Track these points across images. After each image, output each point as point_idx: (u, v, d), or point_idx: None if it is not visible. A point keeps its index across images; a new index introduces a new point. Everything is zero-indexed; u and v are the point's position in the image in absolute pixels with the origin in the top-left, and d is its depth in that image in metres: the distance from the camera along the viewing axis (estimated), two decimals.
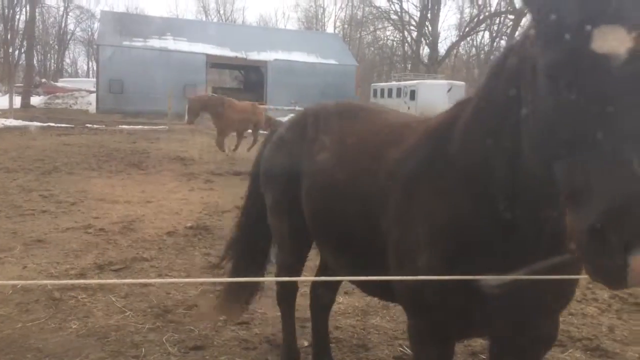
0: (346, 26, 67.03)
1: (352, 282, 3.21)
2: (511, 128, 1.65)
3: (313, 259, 3.74)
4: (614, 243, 1.25)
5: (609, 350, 4.03)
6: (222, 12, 71.76)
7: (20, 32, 47.24)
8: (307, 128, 2.94)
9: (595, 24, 1.36)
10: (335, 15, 69.31)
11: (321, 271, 3.67)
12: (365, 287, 2.82)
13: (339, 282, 3.71)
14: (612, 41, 1.36)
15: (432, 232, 1.94)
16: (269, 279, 3.88)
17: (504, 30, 54.06)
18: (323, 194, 2.67)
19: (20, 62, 46.10)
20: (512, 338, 2.13)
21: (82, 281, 3.98)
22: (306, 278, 3.93)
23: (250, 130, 16.54)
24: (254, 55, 41.73)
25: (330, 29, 66.63)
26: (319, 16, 69.73)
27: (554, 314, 2.14)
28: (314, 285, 3.69)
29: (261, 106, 18.46)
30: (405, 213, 2.08)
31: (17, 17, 46.64)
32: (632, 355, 4.00)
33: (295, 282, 3.49)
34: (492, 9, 54.12)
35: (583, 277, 1.87)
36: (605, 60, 1.34)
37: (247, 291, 3.73)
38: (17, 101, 34.08)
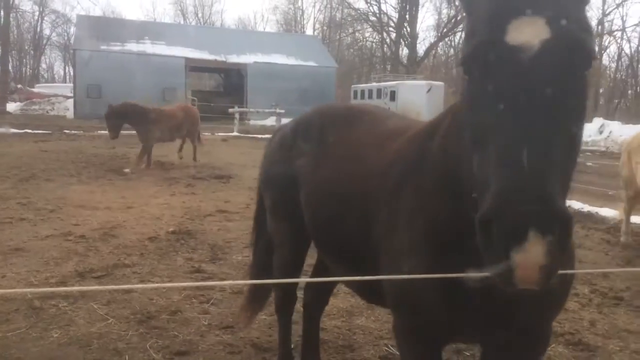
0: (325, 28, 67.20)
1: (351, 288, 3.20)
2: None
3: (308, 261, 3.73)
4: (497, 240, 1.25)
5: (590, 344, 4.10)
6: (200, 15, 71.45)
7: None
8: (311, 130, 2.92)
9: (505, 16, 1.37)
10: (314, 17, 69.33)
11: (316, 272, 3.67)
12: (361, 292, 2.81)
13: (334, 284, 3.72)
14: (528, 32, 1.36)
15: (414, 236, 1.94)
16: (267, 281, 3.85)
17: None
18: (321, 198, 2.67)
19: None
20: (503, 344, 2.06)
21: (63, 288, 3.91)
22: (305, 279, 3.91)
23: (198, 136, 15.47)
24: (234, 58, 41.58)
25: (309, 31, 66.79)
26: (298, 18, 69.81)
27: (546, 319, 2.05)
28: (308, 285, 3.68)
29: (195, 108, 16.63)
30: (392, 218, 2.08)
31: None
32: (613, 349, 4.07)
33: (294, 289, 3.45)
34: None
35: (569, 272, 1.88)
36: (517, 53, 1.35)
37: (265, 292, 3.70)
38: None
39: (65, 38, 66.44)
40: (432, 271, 1.77)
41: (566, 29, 1.36)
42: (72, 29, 53.15)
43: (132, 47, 39.11)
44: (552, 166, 1.30)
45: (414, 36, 54.44)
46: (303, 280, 3.63)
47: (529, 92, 1.32)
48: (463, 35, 1.55)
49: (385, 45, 58.74)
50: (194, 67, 41.89)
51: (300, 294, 3.67)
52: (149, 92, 31.03)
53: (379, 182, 2.22)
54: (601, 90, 48.63)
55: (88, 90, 37.30)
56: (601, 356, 3.95)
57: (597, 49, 1.52)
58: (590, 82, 1.54)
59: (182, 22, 66.55)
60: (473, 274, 1.45)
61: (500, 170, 1.30)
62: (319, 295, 3.65)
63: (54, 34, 68.02)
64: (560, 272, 1.96)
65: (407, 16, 54.60)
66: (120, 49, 38.59)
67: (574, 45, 1.37)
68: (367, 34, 62.07)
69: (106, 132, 14.36)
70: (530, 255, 1.23)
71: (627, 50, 47.76)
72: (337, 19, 64.22)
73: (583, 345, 4.08)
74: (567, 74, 1.37)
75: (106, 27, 40.50)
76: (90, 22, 41.35)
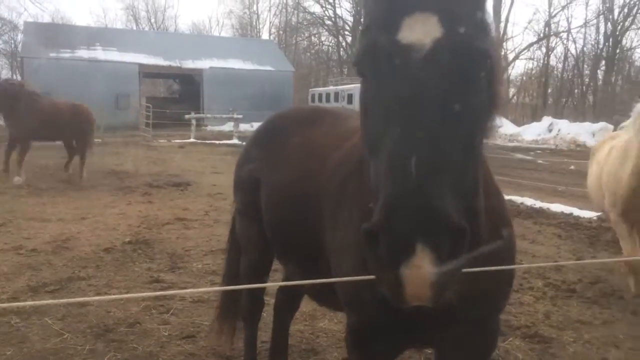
0: (281, 32, 67.11)
1: (308, 294, 3.17)
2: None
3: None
4: (383, 253, 1.16)
5: (546, 336, 4.23)
6: (153, 20, 70.15)
7: None
8: (271, 133, 2.95)
9: (397, 14, 1.31)
10: (270, 22, 69.24)
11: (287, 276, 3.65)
12: (317, 297, 2.81)
13: (305, 289, 3.68)
14: (419, 31, 1.29)
15: (351, 235, 1.89)
16: (229, 287, 3.81)
17: None
18: (276, 200, 2.67)
19: None
20: (454, 344, 2.04)
21: (15, 304, 3.76)
22: (269, 284, 3.88)
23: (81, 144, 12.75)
24: (189, 64, 41.04)
25: (265, 35, 66.55)
26: (254, 23, 69.47)
27: (491, 313, 2.03)
28: (279, 289, 3.67)
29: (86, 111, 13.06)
30: (336, 217, 2.05)
31: None
32: (567, 339, 4.21)
33: (262, 294, 3.43)
34: None
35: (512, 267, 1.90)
36: (408, 52, 1.28)
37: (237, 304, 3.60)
38: None
39: (13, 46, 64.10)
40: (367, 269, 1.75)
41: (458, 28, 1.30)
42: (20, 36, 51.35)
43: (83, 53, 38.09)
44: (443, 174, 1.21)
45: None
46: (268, 285, 3.62)
47: (417, 95, 1.25)
48: (358, 35, 1.48)
49: (342, 49, 59.15)
50: (148, 73, 41.12)
51: (268, 299, 3.66)
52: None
53: (327, 183, 2.20)
54: (549, 90, 50.27)
55: None
56: (556, 347, 4.08)
57: (494, 49, 1.43)
58: (493, 84, 1.45)
59: (134, 27, 65.24)
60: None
61: (388, 179, 1.21)
62: (289, 300, 3.63)
63: (0, 42, 65.60)
64: (514, 266, 2.01)
65: (361, 20, 55.12)
66: (70, 56, 37.52)
67: (466, 45, 1.30)
68: (323, 38, 62.42)
69: (57, 141, 13.56)
70: (419, 270, 1.13)
71: (573, 51, 49.57)
72: (293, 23, 64.28)
73: (539, 337, 4.21)
74: (460, 75, 1.30)
75: (55, 33, 39.26)
76: (38, 29, 40.02)
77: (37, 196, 10.15)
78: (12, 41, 63.56)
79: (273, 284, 3.95)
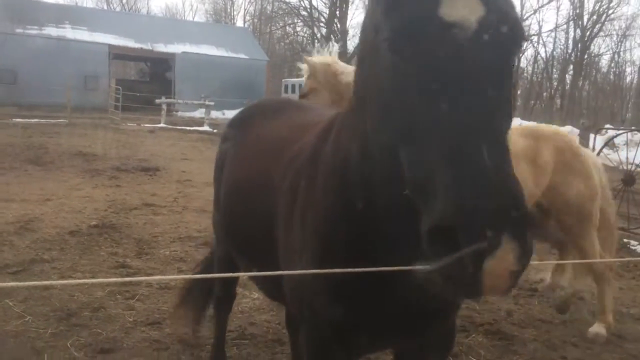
0: (256, 20, 66.50)
1: (260, 289, 3.15)
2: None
3: None
4: (464, 246, 1.07)
5: (508, 333, 4.34)
6: (125, 1, 68.59)
7: None
8: (238, 124, 2.94)
9: None
10: (245, 9, 68.52)
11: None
12: (267, 292, 2.77)
13: (237, 280, 3.66)
14: (463, 7, 1.19)
15: (304, 234, 1.84)
16: (192, 276, 3.78)
17: None
18: (231, 191, 2.64)
19: None
20: (413, 346, 2.00)
21: None
22: (240, 274, 3.86)
23: None
24: (161, 47, 40.33)
25: (239, 22, 65.85)
26: (228, 9, 68.65)
27: (448, 313, 1.93)
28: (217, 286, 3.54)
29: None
30: (288, 215, 1.97)
31: None
32: (529, 337, 4.33)
33: (234, 285, 3.45)
34: None
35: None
36: (454, 30, 1.18)
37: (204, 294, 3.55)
38: None
39: None
40: (320, 268, 1.68)
41: (499, 4, 1.23)
42: None
43: (51, 31, 37.01)
44: (509, 162, 1.16)
45: (344, 32, 55.04)
46: (236, 275, 3.58)
47: (472, 78, 1.17)
48: (372, 8, 1.34)
49: (316, 40, 59.00)
50: (118, 54, 40.25)
51: (240, 290, 3.65)
52: (70, 79, 29.45)
53: (280, 179, 2.11)
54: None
55: (1, 75, 34.96)
56: (517, 344, 4.19)
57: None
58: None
59: (105, 8, 63.66)
60: (420, 268, 1.20)
61: (456, 169, 1.11)
62: (229, 296, 3.53)
63: None
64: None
65: (337, 12, 55.11)
66: (37, 33, 36.40)
67: (511, 24, 1.23)
68: (298, 28, 62.12)
69: (22, 120, 13.31)
70: (502, 262, 1.07)
71: (543, 54, 50.60)
72: (268, 12, 63.78)
73: (501, 334, 4.32)
74: (504, 57, 1.23)
75: (22, 9, 37.99)
76: (4, 3, 38.65)
77: (0, 175, 9.86)
78: None
79: (241, 274, 3.93)
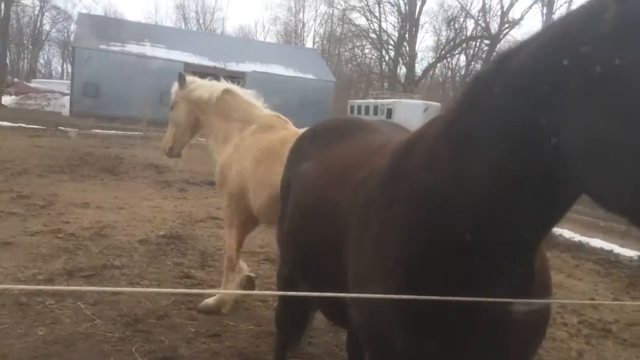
0: (325, 42, 67.60)
1: (327, 317, 2.95)
2: (505, 149, 1.38)
3: None
4: None
5: None
6: (201, 21, 71.60)
7: None
8: (303, 144, 2.93)
9: None
10: (315, 31, 69.81)
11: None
12: (329, 316, 2.71)
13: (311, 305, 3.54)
14: None
15: (383, 262, 1.73)
16: (257, 292, 3.82)
17: (479, 54, 55.24)
18: (295, 215, 2.60)
19: None
20: None
21: (50, 287, 3.88)
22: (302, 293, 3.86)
23: None
24: (233, 66, 41.67)
25: (309, 44, 67.14)
26: (299, 31, 70.18)
27: (529, 351, 1.85)
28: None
29: None
30: (360, 242, 1.88)
31: None
32: None
33: (305, 314, 3.28)
34: (468, 33, 55.39)
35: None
36: None
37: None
38: None
39: (65, 35, 66.32)
40: (401, 307, 1.59)
41: None
42: (73, 26, 53.11)
43: (132, 48, 39.10)
44: None
45: (412, 56, 54.91)
46: (298, 294, 3.57)
47: None
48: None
49: (384, 63, 59.18)
50: (193, 72, 41.74)
51: None
52: (147, 94, 30.96)
53: (349, 201, 2.04)
54: None
55: (85, 88, 37.16)
56: None
57: None
58: None
59: (183, 27, 66.65)
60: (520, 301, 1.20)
61: None
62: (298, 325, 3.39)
63: (53, 30, 67.87)
64: (549, 301, 1.92)
65: (406, 35, 55.12)
66: (120, 50, 38.56)
67: None
68: (366, 51, 62.56)
69: (101, 131, 14.10)
70: None
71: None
72: (338, 34, 64.66)
73: None
74: None
75: (107, 26, 40.47)
76: (91, 21, 41.29)
77: (78, 182, 10.42)
78: (65, 30, 65.87)
79: (305, 294, 3.92)
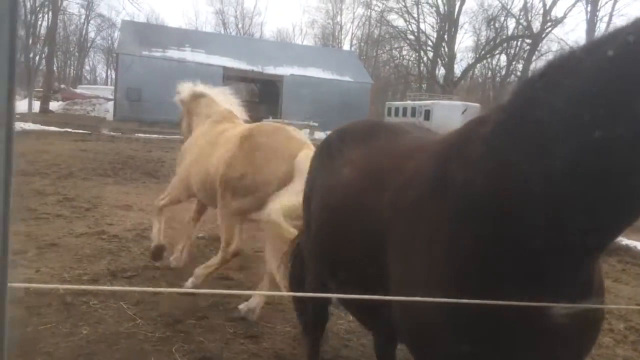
0: (363, 44, 67.45)
1: (356, 318, 2.98)
2: (574, 152, 1.32)
3: None
4: None
5: None
6: (240, 26, 72.55)
7: (42, 38, 48.07)
8: (330, 147, 2.93)
9: None
10: (352, 33, 69.74)
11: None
12: (360, 318, 2.68)
13: (329, 302, 3.48)
14: None
15: (434, 266, 1.70)
16: (294, 294, 3.83)
17: (520, 54, 54.12)
18: (325, 220, 2.58)
19: (40, 68, 46.83)
20: None
21: (94, 287, 4.02)
22: (333, 295, 3.88)
23: None
24: (270, 70, 42.07)
25: (346, 46, 67.11)
26: (336, 33, 70.27)
27: (579, 357, 1.81)
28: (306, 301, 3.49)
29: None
30: (406, 246, 1.86)
31: (39, 23, 47.45)
32: None
33: (326, 306, 3.35)
34: (509, 33, 54.31)
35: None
36: None
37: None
38: (36, 106, 34.54)
39: (109, 42, 68.26)
40: (453, 314, 1.56)
41: None
42: (117, 34, 54.64)
43: (173, 53, 39.96)
44: None
45: (451, 56, 54.25)
46: (330, 295, 3.58)
47: None
48: None
49: (422, 64, 58.65)
50: (231, 76, 42.53)
51: (332, 308, 3.64)
52: None
53: (390, 205, 2.01)
54: None
55: (128, 93, 38.20)
56: None
57: None
58: None
59: (222, 32, 67.69)
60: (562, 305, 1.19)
61: None
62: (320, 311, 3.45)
63: (98, 38, 70.03)
64: (597, 306, 1.87)
65: (445, 36, 54.49)
66: (161, 55, 39.47)
67: None
68: (404, 52, 62.15)
69: (144, 135, 14.50)
70: None
71: None
72: (375, 36, 64.44)
73: None
74: None
75: (149, 33, 41.49)
76: (134, 28, 42.42)
77: (121, 185, 10.70)
78: (110, 38, 67.81)
79: (336, 295, 3.92)
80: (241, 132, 4.91)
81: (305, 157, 4.28)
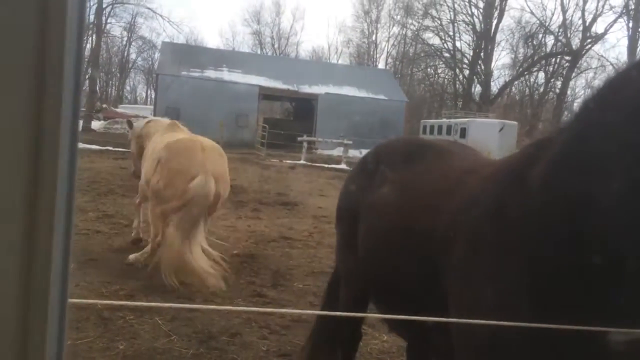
0: (398, 63, 67.51)
1: (403, 337, 2.99)
2: None
3: None
4: None
5: None
6: (276, 46, 73.69)
7: (86, 59, 49.88)
8: (374, 165, 2.92)
9: None
10: (387, 52, 69.89)
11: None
12: (406, 336, 2.68)
13: (363, 320, 3.55)
14: None
15: (503, 292, 1.67)
16: (327, 313, 3.81)
17: (559, 71, 53.21)
18: (376, 236, 2.59)
19: (84, 88, 48.51)
20: None
21: (131, 303, 4.11)
22: (370, 314, 3.84)
23: None
24: (305, 89, 42.46)
25: (381, 64, 67.27)
26: (371, 52, 70.58)
27: None
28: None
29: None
30: (469, 271, 1.84)
31: (84, 45, 49.25)
32: None
33: (360, 325, 3.37)
34: (547, 50, 53.52)
35: None
36: None
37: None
38: (79, 125, 35.68)
39: (150, 63, 70.25)
40: (530, 333, 1.50)
41: None
42: (157, 55, 56.26)
43: (211, 74, 40.78)
44: None
45: (488, 74, 53.73)
46: (368, 315, 3.56)
47: None
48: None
49: (458, 82, 58.26)
50: (267, 95, 43.12)
51: (365, 328, 3.60)
52: (224, 117, 32.24)
53: (448, 225, 2.01)
54: None
55: (167, 112, 38.84)
56: None
57: None
58: None
59: (259, 52, 68.88)
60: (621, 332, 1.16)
61: None
62: (354, 329, 3.44)
63: (139, 59, 72.21)
64: None
65: (482, 54, 54.07)
66: (199, 75, 40.34)
67: None
68: (439, 70, 61.91)
69: None
70: None
71: None
72: (410, 54, 64.45)
73: None
74: None
75: (188, 54, 42.51)
76: (173, 49, 43.55)
77: None
78: (150, 59, 69.80)
79: (372, 315, 3.89)
80: (159, 150, 6.17)
81: (197, 184, 5.73)
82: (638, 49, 43.20)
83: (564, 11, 50.00)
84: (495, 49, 55.14)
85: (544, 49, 54.03)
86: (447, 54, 57.32)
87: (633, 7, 43.79)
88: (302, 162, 25.64)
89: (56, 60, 0.53)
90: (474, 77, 55.37)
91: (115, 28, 59.16)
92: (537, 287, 1.59)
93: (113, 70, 72.95)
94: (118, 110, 52.36)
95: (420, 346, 2.98)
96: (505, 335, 1.61)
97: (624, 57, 44.90)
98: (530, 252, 1.61)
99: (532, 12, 53.91)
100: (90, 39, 47.88)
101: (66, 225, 0.56)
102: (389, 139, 3.17)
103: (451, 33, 56.01)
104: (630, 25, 44.47)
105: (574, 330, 1.41)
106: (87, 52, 48.80)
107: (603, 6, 46.99)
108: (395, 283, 2.38)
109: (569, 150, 1.57)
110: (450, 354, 2.27)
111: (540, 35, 53.55)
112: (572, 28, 50.53)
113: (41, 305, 0.55)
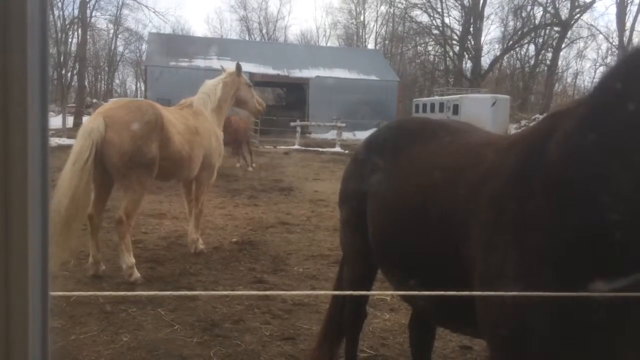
0: (387, 42, 67.13)
1: (422, 311, 2.96)
2: None
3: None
4: None
5: None
6: (264, 31, 73.09)
7: (73, 54, 49.37)
8: (382, 145, 2.93)
9: None
10: (376, 32, 69.40)
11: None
12: (439, 318, 2.68)
13: (367, 299, 3.57)
14: None
15: (527, 259, 1.71)
16: (332, 292, 3.83)
17: (549, 42, 53.04)
18: (391, 214, 2.61)
19: (72, 84, 48.07)
20: None
21: (131, 292, 4.14)
22: (376, 292, 3.87)
23: None
24: (296, 73, 42.26)
25: (371, 45, 66.89)
26: (360, 33, 70.12)
27: None
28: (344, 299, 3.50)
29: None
30: (492, 239, 1.88)
31: (70, 40, 48.82)
32: None
33: (364, 304, 3.40)
34: (537, 21, 53.29)
35: None
36: None
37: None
38: (70, 121, 35.43)
39: (138, 55, 69.58)
40: (551, 306, 1.54)
41: None
42: (144, 46, 55.75)
43: (200, 62, 40.51)
44: None
45: (478, 49, 53.51)
46: (374, 293, 3.58)
47: None
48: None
49: (448, 58, 58.04)
50: (258, 81, 42.85)
51: (369, 309, 3.62)
52: None
53: (468, 198, 2.06)
54: None
55: (158, 103, 38.85)
56: None
57: None
58: None
59: (247, 38, 68.35)
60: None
61: None
62: (358, 308, 3.46)
63: (127, 51, 71.44)
64: None
65: (471, 29, 53.79)
66: (188, 65, 40.08)
67: None
68: (429, 48, 61.58)
69: None
70: None
71: None
72: (399, 33, 64.06)
73: None
74: None
75: (175, 44, 42.22)
76: (160, 40, 43.22)
77: (155, 194, 10.86)
78: (138, 51, 69.14)
79: (377, 293, 3.93)
80: None
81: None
82: (627, 16, 43.06)
83: None
84: (484, 23, 54.91)
85: (533, 21, 53.81)
86: (436, 31, 57.03)
87: None
88: (296, 147, 25.60)
89: (19, 53, 0.52)
90: (464, 52, 55.14)
91: (101, 21, 58.69)
92: (558, 253, 1.63)
93: (101, 64, 72.26)
94: None
95: (423, 319, 3.07)
96: (534, 299, 1.64)
97: (613, 25, 44.81)
98: (553, 221, 1.65)
99: None
100: (75, 33, 47.39)
101: (42, 221, 0.56)
102: (397, 120, 3.18)
103: (439, 9, 55.69)
104: None
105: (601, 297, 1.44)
106: (73, 47, 48.36)
107: None
108: (413, 256, 2.43)
109: (589, 122, 1.60)
110: (456, 322, 2.32)
111: (529, 7, 53.31)
112: None
113: (21, 300, 0.55)
